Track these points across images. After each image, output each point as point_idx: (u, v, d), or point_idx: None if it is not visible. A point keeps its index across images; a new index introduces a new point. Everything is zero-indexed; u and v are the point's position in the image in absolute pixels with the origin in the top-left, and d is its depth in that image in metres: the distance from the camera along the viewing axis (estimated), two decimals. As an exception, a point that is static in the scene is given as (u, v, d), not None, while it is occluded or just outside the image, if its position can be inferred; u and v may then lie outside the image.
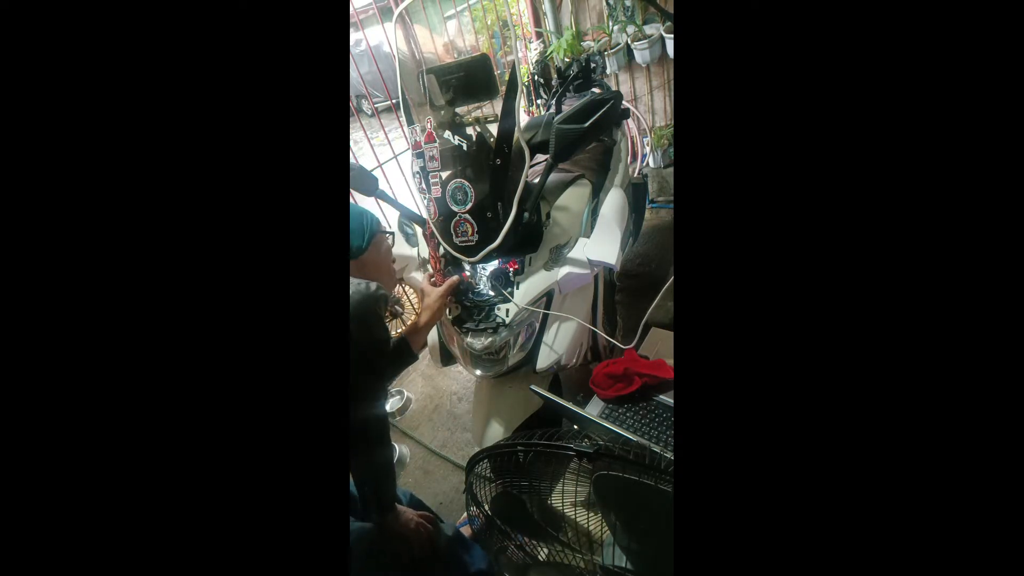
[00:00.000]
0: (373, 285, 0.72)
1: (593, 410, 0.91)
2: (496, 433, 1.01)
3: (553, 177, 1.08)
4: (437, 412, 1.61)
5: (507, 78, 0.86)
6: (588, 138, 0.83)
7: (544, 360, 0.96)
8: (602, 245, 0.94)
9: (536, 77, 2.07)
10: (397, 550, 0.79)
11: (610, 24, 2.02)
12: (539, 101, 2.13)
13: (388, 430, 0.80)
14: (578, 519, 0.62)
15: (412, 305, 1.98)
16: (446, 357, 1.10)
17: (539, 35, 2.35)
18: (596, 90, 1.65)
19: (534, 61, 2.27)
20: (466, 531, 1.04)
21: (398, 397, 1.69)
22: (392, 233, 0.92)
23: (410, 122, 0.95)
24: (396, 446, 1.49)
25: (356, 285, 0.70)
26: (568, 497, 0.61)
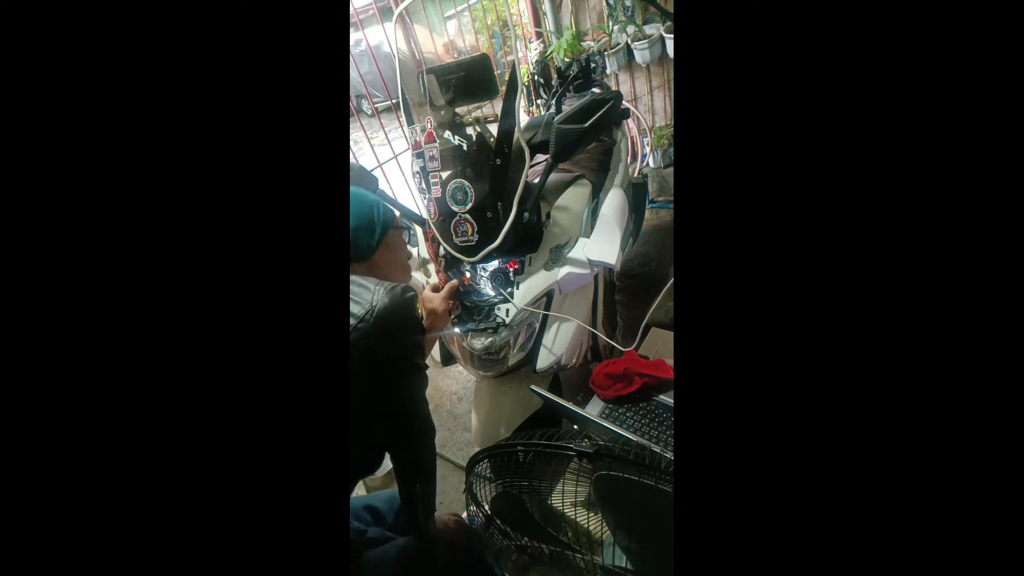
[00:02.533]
0: (401, 287, 0.67)
1: (593, 410, 0.91)
2: (496, 433, 1.01)
3: (553, 177, 1.08)
4: (437, 412, 1.61)
5: (507, 78, 0.86)
6: (588, 138, 0.83)
7: (544, 360, 0.96)
8: (602, 245, 0.94)
9: (536, 77, 2.07)
10: (443, 556, 0.77)
11: (610, 24, 2.02)
12: (539, 101, 2.13)
13: (434, 431, 0.77)
14: (578, 519, 0.62)
15: (412, 305, 1.98)
16: (446, 357, 1.10)
17: (539, 35, 2.35)
18: (596, 90, 1.65)
19: (534, 61, 2.27)
20: (466, 531, 1.04)
21: (398, 397, 1.69)
22: (408, 228, 0.83)
23: (410, 122, 0.95)
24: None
25: (388, 288, 0.64)
26: (568, 497, 0.61)
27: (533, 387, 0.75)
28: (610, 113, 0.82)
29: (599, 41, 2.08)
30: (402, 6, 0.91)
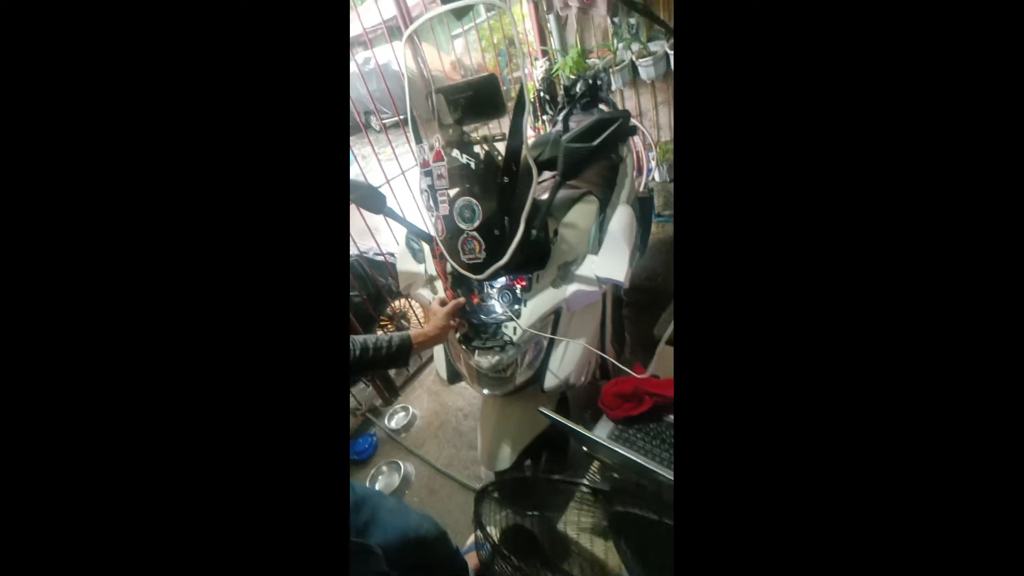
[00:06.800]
0: None
1: (602, 432, 0.89)
2: (504, 454, 1.00)
3: (560, 194, 1.07)
4: (443, 429, 1.59)
5: (513, 95, 0.87)
6: (597, 157, 0.83)
7: (552, 379, 0.94)
8: (610, 262, 0.93)
9: (542, 94, 2.09)
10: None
11: (615, 42, 2.05)
12: (544, 117, 2.15)
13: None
14: (584, 545, 0.60)
15: (418, 320, 1.98)
16: (453, 375, 1.09)
17: (544, 53, 2.38)
18: (603, 107, 1.66)
19: (539, 79, 2.29)
20: (472, 557, 1.01)
21: (403, 414, 1.67)
22: None
23: (418, 140, 0.96)
24: (401, 464, 1.47)
25: None
26: (576, 522, 0.59)
27: (542, 409, 0.74)
28: (618, 132, 0.82)
29: (604, 59, 2.10)
30: (411, 28, 0.92)
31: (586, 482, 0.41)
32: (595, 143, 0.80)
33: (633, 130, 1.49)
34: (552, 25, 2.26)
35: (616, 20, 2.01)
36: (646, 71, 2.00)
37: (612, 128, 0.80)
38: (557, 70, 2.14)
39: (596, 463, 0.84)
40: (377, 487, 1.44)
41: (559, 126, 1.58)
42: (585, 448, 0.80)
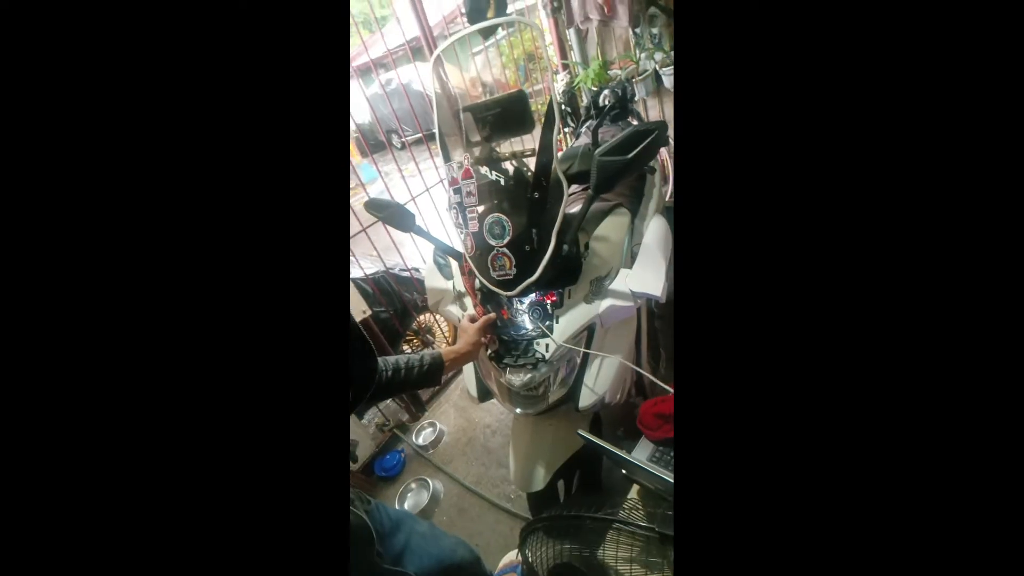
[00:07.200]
0: None
1: (642, 454, 0.85)
2: (538, 475, 0.97)
3: (590, 207, 1.06)
4: (471, 446, 1.56)
5: (535, 108, 0.86)
6: (631, 170, 0.81)
7: (587, 398, 0.91)
8: (646, 276, 0.90)
9: (563, 107, 2.09)
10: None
11: (637, 52, 2.04)
12: (566, 129, 2.14)
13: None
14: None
15: (444, 335, 1.97)
16: (483, 393, 1.07)
17: (565, 66, 2.39)
18: (632, 120, 1.64)
19: (560, 91, 2.30)
20: (508, 581, 0.98)
21: (431, 430, 1.66)
22: None
23: (447, 159, 0.96)
24: (430, 481, 1.45)
25: None
26: (625, 557, 0.56)
27: (581, 432, 0.71)
28: (654, 144, 0.80)
29: (626, 69, 2.09)
30: (439, 49, 0.93)
31: (647, 525, 0.39)
32: (630, 156, 0.78)
33: (665, 141, 1.47)
34: (572, 38, 2.27)
35: (638, 31, 2.01)
36: (670, 80, 1.99)
37: (647, 141, 0.78)
38: (579, 82, 2.14)
39: (636, 487, 0.80)
40: (406, 505, 1.42)
41: (584, 138, 1.56)
42: (624, 471, 0.77)
